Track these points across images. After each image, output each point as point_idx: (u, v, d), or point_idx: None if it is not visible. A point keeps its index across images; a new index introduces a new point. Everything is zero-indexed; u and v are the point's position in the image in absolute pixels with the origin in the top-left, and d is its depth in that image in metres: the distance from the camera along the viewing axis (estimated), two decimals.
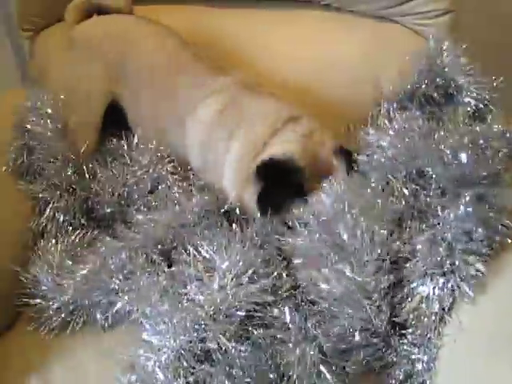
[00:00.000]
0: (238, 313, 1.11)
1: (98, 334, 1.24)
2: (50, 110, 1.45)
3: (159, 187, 1.39)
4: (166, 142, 1.46)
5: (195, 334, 1.09)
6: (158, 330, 1.11)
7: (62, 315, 1.23)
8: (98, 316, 1.22)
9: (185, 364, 1.08)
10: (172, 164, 1.43)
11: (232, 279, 1.13)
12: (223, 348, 1.08)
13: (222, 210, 1.33)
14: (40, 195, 1.41)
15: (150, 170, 1.41)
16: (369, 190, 1.23)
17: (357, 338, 1.10)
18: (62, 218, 1.39)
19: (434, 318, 1.14)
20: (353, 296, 1.11)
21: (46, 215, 1.40)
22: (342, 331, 1.11)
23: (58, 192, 1.41)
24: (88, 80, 1.53)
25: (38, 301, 1.24)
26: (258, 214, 1.30)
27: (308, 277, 1.17)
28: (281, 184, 1.28)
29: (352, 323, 1.11)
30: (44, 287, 1.25)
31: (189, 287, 1.15)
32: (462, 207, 1.15)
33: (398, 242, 1.19)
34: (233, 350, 1.08)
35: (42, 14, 1.72)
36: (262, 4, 1.75)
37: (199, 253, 1.20)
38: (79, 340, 1.24)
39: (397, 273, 1.18)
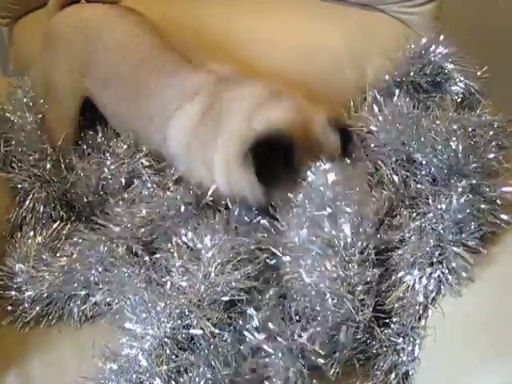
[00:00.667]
0: (223, 298, 1.10)
1: (77, 327, 1.22)
2: (27, 100, 1.43)
3: (134, 181, 1.36)
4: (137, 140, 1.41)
5: (179, 321, 1.07)
6: (142, 318, 1.09)
7: (37, 308, 1.21)
8: (75, 309, 1.21)
9: (168, 351, 1.06)
10: (147, 158, 1.38)
11: (216, 267, 1.12)
12: (208, 334, 1.07)
13: (204, 201, 1.29)
14: (19, 186, 1.39)
15: (124, 164, 1.37)
16: (354, 181, 1.18)
17: (341, 336, 1.08)
18: (41, 209, 1.37)
19: (418, 307, 1.12)
20: (336, 291, 1.07)
21: (25, 206, 1.38)
22: (325, 330, 1.08)
23: (39, 183, 1.39)
24: (59, 73, 1.47)
25: (13, 293, 1.22)
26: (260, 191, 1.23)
27: (292, 271, 1.13)
28: (272, 161, 1.20)
29: (335, 320, 1.07)
30: (19, 279, 1.22)
31: (173, 274, 1.14)
32: (454, 198, 1.14)
33: (388, 232, 1.18)
34: (216, 338, 1.07)
35: (19, 1, 1.68)
36: None
37: (184, 242, 1.18)
38: (58, 333, 1.22)
39: (384, 262, 1.16)
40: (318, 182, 1.15)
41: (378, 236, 1.15)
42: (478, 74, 1.51)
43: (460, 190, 1.15)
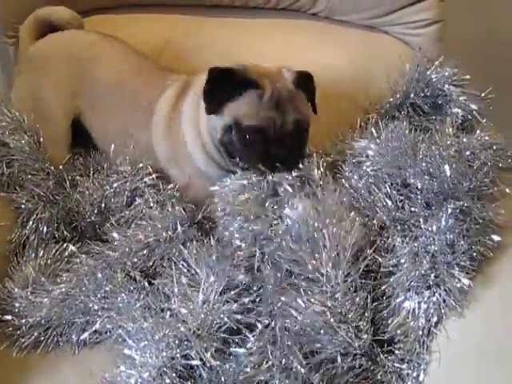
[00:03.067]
0: (221, 327, 1.09)
1: (75, 353, 1.21)
2: (21, 123, 1.44)
3: (136, 200, 1.37)
4: (131, 148, 1.44)
5: (178, 351, 1.07)
6: (141, 346, 1.08)
7: (35, 333, 1.20)
8: (73, 336, 1.20)
9: (167, 381, 1.05)
10: (150, 176, 1.39)
11: (215, 295, 1.11)
12: (207, 365, 1.06)
13: (197, 219, 1.30)
14: (23, 206, 1.38)
15: (128, 183, 1.38)
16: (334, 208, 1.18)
17: (339, 364, 1.07)
18: (45, 230, 1.37)
19: (421, 332, 1.12)
20: (327, 322, 1.07)
21: (29, 226, 1.37)
22: (322, 359, 1.08)
23: (42, 203, 1.39)
24: (46, 95, 1.52)
25: (11, 318, 1.21)
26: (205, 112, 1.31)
27: (282, 304, 1.12)
28: (225, 77, 1.29)
29: (332, 350, 1.07)
30: (17, 304, 1.21)
31: (172, 301, 1.13)
32: (443, 219, 1.15)
33: (381, 254, 1.18)
34: (216, 368, 1.06)
35: (23, 20, 1.67)
36: (248, 13, 1.75)
37: (185, 267, 1.18)
38: (58, 359, 1.21)
39: (376, 286, 1.17)
40: (294, 218, 1.16)
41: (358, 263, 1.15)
42: (483, 95, 1.51)
43: (449, 211, 1.16)
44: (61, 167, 1.46)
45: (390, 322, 1.13)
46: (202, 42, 1.69)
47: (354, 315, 1.08)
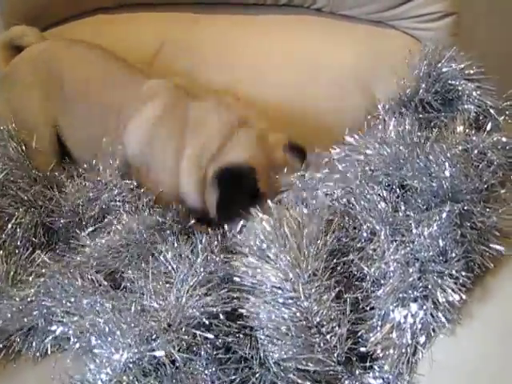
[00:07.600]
0: (193, 323, 1.02)
1: (43, 362, 1.15)
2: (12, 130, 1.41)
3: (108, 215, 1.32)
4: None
5: (145, 346, 0.99)
6: (108, 341, 1.02)
7: None
8: (35, 343, 1.15)
9: (130, 378, 0.99)
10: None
11: (189, 290, 1.05)
12: (174, 360, 1.00)
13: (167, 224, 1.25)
14: (5, 210, 1.34)
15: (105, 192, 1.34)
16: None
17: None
18: (21, 235, 1.32)
19: (404, 350, 0.99)
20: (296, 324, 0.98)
21: (7, 230, 1.32)
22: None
23: (24, 207, 1.35)
24: (23, 104, 1.51)
25: None
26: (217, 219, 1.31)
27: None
28: (238, 189, 1.30)
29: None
30: None
31: (145, 297, 1.07)
32: (435, 223, 1.01)
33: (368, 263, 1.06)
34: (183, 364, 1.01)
35: (28, 19, 1.66)
36: (249, 9, 1.67)
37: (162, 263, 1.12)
38: (23, 367, 1.16)
39: (367, 298, 1.05)
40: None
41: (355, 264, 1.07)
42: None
43: (444, 214, 1.02)
44: (48, 173, 1.42)
45: (371, 335, 1.01)
46: (198, 41, 1.63)
47: (327, 324, 0.98)
